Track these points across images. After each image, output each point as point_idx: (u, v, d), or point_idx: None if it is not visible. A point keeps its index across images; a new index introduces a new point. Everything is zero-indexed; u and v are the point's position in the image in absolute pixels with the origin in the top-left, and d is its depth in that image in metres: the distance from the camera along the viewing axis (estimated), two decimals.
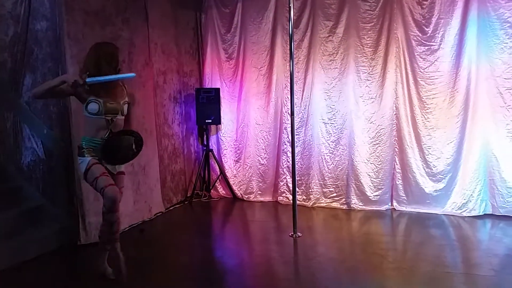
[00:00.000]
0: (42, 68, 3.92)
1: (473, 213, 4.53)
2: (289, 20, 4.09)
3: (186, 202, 5.42)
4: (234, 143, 5.58)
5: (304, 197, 5.15)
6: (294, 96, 4.21)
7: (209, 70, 5.65)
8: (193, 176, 5.63)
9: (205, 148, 5.64)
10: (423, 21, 4.67)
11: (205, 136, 5.65)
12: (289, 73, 4.21)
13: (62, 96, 3.20)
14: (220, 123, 5.57)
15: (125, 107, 3.07)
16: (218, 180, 5.65)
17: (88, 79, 2.87)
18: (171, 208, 5.15)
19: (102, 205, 2.94)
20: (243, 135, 5.52)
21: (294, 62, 4.57)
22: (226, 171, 5.61)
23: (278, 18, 5.23)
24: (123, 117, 3.09)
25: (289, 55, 4.16)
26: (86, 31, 3.89)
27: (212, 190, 5.67)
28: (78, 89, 2.90)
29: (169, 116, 5.17)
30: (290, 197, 4.81)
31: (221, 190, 5.67)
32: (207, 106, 5.42)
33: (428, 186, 4.71)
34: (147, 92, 4.69)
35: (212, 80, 5.65)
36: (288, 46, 4.41)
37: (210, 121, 5.47)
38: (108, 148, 2.95)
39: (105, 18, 4.12)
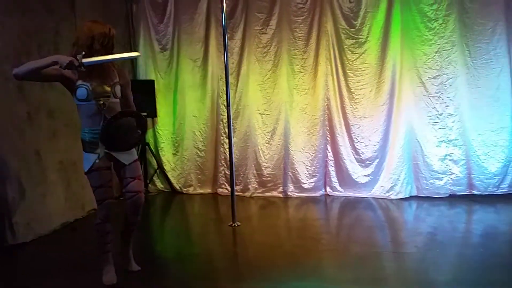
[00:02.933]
0: None
1: (400, 196, 4.83)
2: (222, 11, 4.10)
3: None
4: (171, 136, 5.50)
5: (243, 187, 5.21)
6: (230, 87, 4.23)
7: (143, 61, 5.50)
8: None
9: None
10: (351, 15, 4.88)
11: None
12: (224, 65, 4.23)
13: (48, 79, 2.80)
14: (156, 116, 5.46)
15: (117, 88, 2.85)
16: (155, 174, 5.56)
17: (85, 60, 2.60)
18: None
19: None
20: (180, 127, 5.45)
21: (229, 54, 4.60)
22: (164, 165, 5.52)
23: (212, 9, 5.19)
24: (117, 100, 2.86)
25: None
26: (5, 20, 3.64)
27: (149, 185, 5.56)
28: (69, 73, 2.66)
29: None
30: (229, 188, 4.86)
31: (159, 184, 5.59)
32: (141, 99, 5.26)
33: (358, 172, 4.97)
34: None
35: (146, 72, 5.51)
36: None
37: (145, 114, 5.32)
38: (108, 132, 2.72)
39: (27, 6, 3.87)
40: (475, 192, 4.80)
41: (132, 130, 2.84)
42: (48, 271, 3.22)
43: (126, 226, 3.04)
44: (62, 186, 4.22)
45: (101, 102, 2.77)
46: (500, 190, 4.75)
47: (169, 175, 5.51)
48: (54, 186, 4.12)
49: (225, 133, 5.16)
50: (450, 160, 4.80)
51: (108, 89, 2.80)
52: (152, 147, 5.51)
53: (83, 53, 2.64)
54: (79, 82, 2.73)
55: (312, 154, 5.05)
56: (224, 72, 4.29)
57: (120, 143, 2.82)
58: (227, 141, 4.95)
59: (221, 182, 5.31)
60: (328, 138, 5.06)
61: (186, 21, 5.28)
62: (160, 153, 5.54)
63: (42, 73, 2.63)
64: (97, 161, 2.79)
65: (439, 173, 4.81)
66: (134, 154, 2.96)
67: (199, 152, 5.40)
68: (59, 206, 4.16)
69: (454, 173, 4.80)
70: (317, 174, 5.06)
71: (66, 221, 4.25)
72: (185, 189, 5.44)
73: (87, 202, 4.61)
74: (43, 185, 4.01)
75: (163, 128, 5.52)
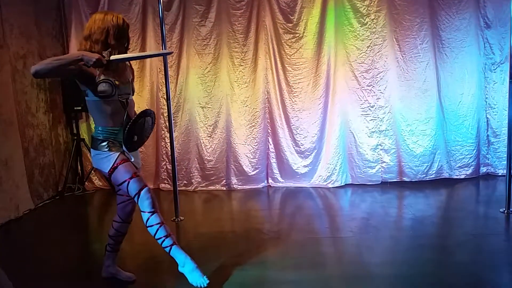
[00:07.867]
0: None
1: (336, 184, 5.06)
2: (159, 2, 4.03)
3: (58, 197, 5.06)
4: None
5: (186, 182, 5.19)
6: (169, 80, 4.18)
7: None
8: (63, 169, 5.27)
9: (75, 137, 5.31)
10: (288, 10, 4.98)
11: (74, 125, 5.32)
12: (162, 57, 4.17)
13: (66, 75, 2.58)
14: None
15: (133, 85, 2.76)
16: (92, 171, 5.37)
17: (113, 57, 2.44)
18: (41, 205, 4.77)
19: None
20: None
21: (168, 46, 4.53)
22: None
23: (149, 0, 5.08)
24: (132, 97, 2.75)
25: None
26: None
27: (86, 182, 5.37)
28: (90, 68, 2.47)
29: (32, 104, 4.74)
30: (172, 183, 4.81)
31: (97, 182, 5.41)
32: (75, 92, 5.04)
33: (297, 162, 5.13)
34: (3, 78, 4.23)
35: None
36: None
37: (79, 108, 5.14)
38: (133, 131, 2.62)
39: None
40: (405, 179, 5.12)
41: (149, 129, 2.79)
42: None
43: (118, 230, 3.02)
44: None
45: (124, 99, 2.65)
46: (429, 177, 5.10)
47: None
48: None
49: (166, 127, 5.10)
50: (381, 149, 5.09)
51: (129, 86, 2.70)
52: (87, 143, 5.31)
53: (109, 49, 2.51)
54: (102, 77, 2.56)
55: (254, 146, 5.13)
56: (163, 64, 4.22)
57: (138, 142, 2.74)
58: (168, 135, 4.90)
59: (163, 177, 5.25)
60: (269, 131, 5.17)
61: (122, 11, 5.07)
62: None
63: (66, 69, 2.45)
64: (118, 156, 2.63)
65: (371, 162, 5.08)
66: (139, 157, 2.93)
67: None
68: None
69: (385, 162, 5.10)
70: (259, 166, 5.15)
71: None
72: None
73: (22, 202, 4.39)
74: None
75: None
